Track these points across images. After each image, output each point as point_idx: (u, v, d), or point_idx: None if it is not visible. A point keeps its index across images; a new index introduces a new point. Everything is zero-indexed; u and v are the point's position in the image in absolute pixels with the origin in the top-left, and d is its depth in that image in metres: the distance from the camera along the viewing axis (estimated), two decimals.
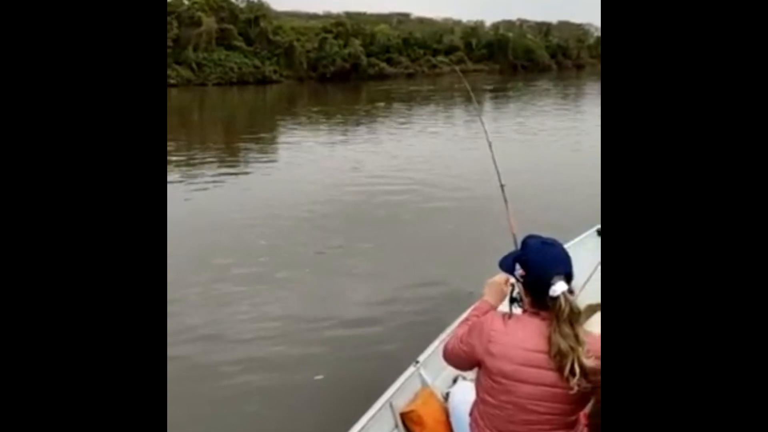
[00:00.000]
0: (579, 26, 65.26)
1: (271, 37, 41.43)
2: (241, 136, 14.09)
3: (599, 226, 3.46)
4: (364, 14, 54.68)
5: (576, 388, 1.57)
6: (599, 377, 1.58)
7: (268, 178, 9.27)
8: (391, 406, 2.20)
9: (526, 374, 1.61)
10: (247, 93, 32.46)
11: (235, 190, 8.49)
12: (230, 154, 11.41)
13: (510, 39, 53.41)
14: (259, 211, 6.95)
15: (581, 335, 1.57)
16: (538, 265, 1.62)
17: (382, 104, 22.37)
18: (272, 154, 11.72)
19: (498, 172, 2.86)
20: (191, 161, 10.43)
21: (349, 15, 51.92)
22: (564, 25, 64.79)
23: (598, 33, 63.26)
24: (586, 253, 3.23)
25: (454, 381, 2.47)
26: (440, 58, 49.17)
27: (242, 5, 42.81)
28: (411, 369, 2.37)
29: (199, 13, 36.98)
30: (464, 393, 2.11)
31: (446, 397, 2.34)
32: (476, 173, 8.29)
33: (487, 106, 23.21)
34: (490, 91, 29.27)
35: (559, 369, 1.57)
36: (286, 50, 41.04)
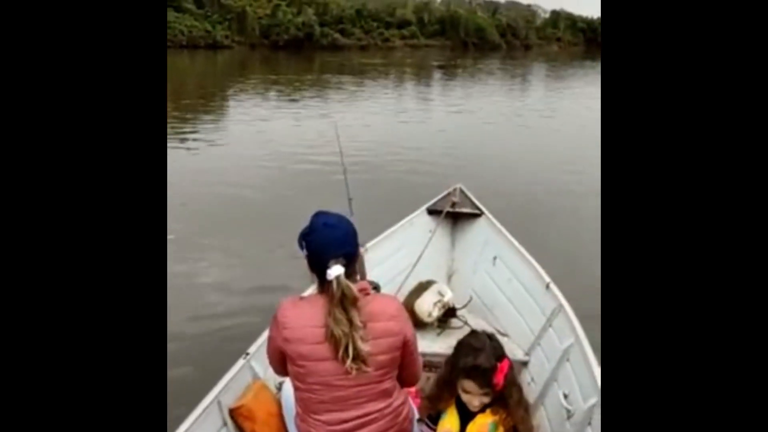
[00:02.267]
0: (527, 7, 67.12)
1: (222, 0, 40.68)
2: (187, 104, 14.07)
3: (429, 205, 3.64)
4: None
5: (354, 372, 1.58)
6: (386, 356, 1.61)
7: (201, 155, 8.98)
8: (219, 403, 2.06)
9: (322, 351, 1.58)
10: (197, 57, 32.04)
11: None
12: (174, 125, 11.07)
13: (462, 16, 54.33)
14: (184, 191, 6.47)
15: (356, 320, 1.56)
16: (316, 246, 1.60)
17: (334, 77, 22.73)
18: (215, 126, 11.53)
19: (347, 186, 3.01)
20: None
21: None
22: (512, 5, 66.39)
23: (545, 15, 65.15)
24: (416, 232, 3.41)
25: None
26: (393, 31, 49.66)
27: None
28: (240, 362, 2.22)
29: None
30: None
31: (279, 387, 2.24)
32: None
33: (435, 81, 24.09)
34: (439, 67, 30.21)
35: (336, 351, 1.57)
36: (239, 15, 40.45)
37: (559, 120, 13.03)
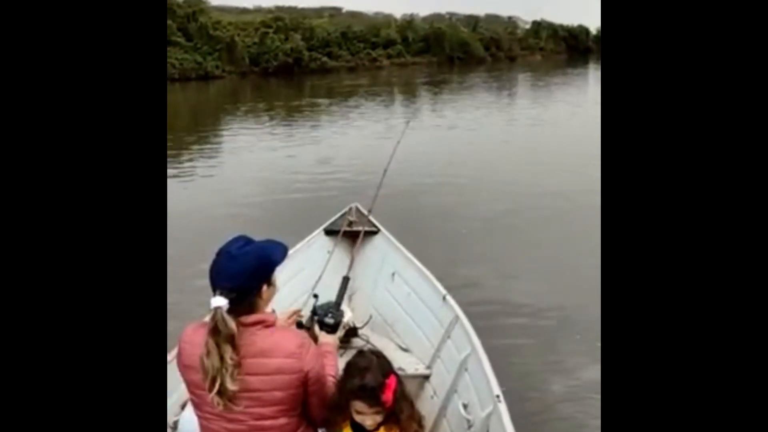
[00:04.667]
0: (508, 19, 68.47)
1: (211, 32, 41.63)
2: (181, 137, 14.28)
3: (326, 225, 3.63)
4: (295, 8, 55.61)
5: (220, 407, 1.54)
6: (282, 392, 1.57)
7: (193, 189, 9.20)
8: None
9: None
10: (189, 89, 32.80)
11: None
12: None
13: (446, 32, 55.44)
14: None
15: (227, 356, 1.51)
16: (210, 272, 1.59)
17: (322, 101, 23.27)
18: (208, 159, 11.59)
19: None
20: None
21: (280, 9, 52.71)
22: (492, 18, 67.80)
23: (526, 26, 66.47)
24: (314, 254, 3.35)
25: (183, 407, 2.27)
26: (379, 51, 50.72)
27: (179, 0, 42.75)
28: None
29: None
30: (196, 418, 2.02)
31: (175, 426, 2.14)
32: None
33: (423, 99, 24.81)
34: (424, 84, 31.00)
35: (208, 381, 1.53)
36: (228, 45, 41.28)
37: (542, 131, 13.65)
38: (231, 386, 1.52)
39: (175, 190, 8.94)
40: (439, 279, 3.05)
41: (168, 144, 12.53)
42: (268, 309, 1.72)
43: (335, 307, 2.32)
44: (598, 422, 1.08)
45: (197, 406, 1.65)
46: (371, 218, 3.64)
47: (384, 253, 3.47)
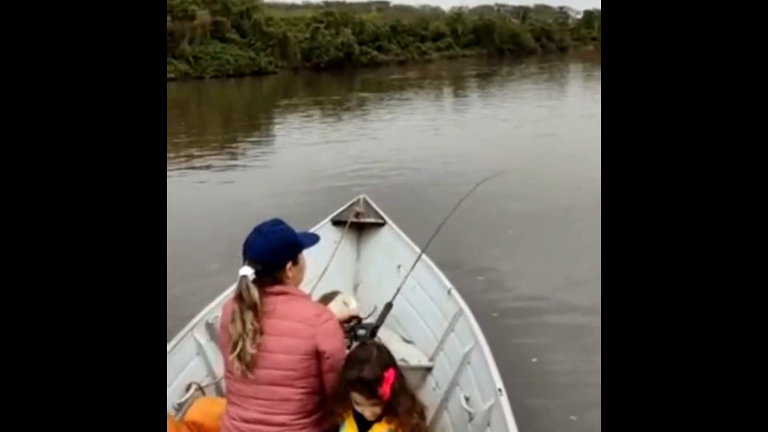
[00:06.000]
0: (559, 9, 67.33)
1: (264, 28, 42.68)
2: (236, 134, 14.69)
3: (334, 215, 3.61)
4: (343, 3, 56.21)
5: (239, 373, 1.62)
6: (287, 356, 1.62)
7: (238, 182, 9.28)
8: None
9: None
10: (244, 85, 33.78)
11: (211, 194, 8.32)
12: (218, 153, 11.50)
13: (495, 24, 54.88)
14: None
15: (248, 323, 1.60)
16: (243, 245, 1.72)
17: (373, 95, 23.50)
18: (260, 155, 11.55)
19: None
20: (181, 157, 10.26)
21: (328, 4, 53.36)
22: (542, 8, 66.69)
23: (578, 16, 64.83)
24: (321, 244, 3.06)
25: (187, 388, 2.35)
26: (428, 44, 50.73)
27: None
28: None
29: (193, 7, 37.87)
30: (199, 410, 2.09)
31: (179, 407, 2.22)
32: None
33: (472, 92, 24.85)
34: (474, 77, 30.98)
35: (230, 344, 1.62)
36: (280, 41, 42.16)
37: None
38: (250, 350, 1.62)
39: (233, 181, 9.30)
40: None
41: (222, 138, 13.15)
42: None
43: (372, 330, 2.39)
44: (599, 416, 1.13)
45: (224, 364, 1.78)
46: (378, 210, 3.68)
47: (390, 245, 3.49)
